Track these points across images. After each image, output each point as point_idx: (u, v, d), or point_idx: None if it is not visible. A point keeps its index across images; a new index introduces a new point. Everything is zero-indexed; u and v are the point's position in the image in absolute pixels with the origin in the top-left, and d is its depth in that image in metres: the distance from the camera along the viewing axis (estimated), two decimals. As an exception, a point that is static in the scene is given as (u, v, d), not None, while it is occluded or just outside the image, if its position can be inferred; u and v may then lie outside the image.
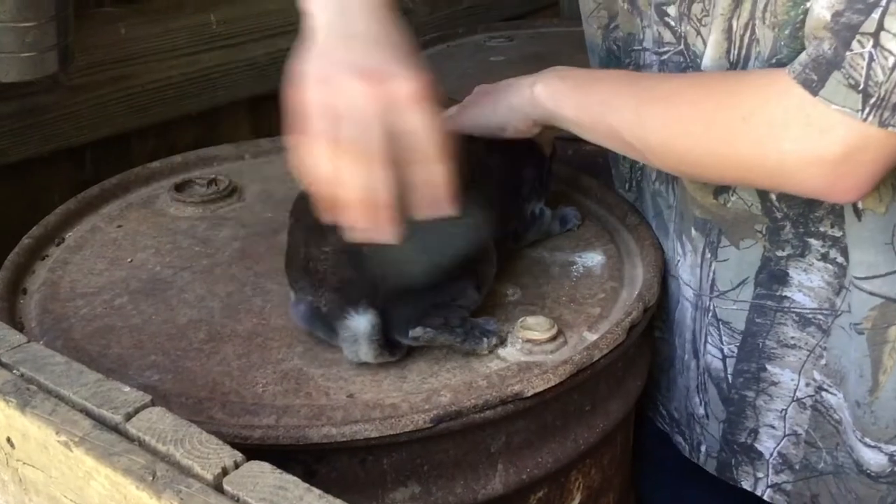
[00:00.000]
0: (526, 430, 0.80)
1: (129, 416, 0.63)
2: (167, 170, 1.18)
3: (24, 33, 0.99)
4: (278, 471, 0.58)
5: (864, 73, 0.68)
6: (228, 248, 1.01)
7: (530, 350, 0.83)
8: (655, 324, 1.01)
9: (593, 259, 0.98)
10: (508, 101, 0.91)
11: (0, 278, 0.93)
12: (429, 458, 0.77)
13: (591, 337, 0.85)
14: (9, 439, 0.67)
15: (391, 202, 0.69)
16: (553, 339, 0.83)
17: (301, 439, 0.72)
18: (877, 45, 0.67)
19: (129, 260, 0.99)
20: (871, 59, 0.67)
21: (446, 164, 0.71)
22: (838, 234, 0.85)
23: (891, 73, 0.67)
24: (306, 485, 0.56)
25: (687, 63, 0.88)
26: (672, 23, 0.88)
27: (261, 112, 1.50)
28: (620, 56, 0.98)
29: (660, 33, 0.90)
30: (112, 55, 1.24)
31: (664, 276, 0.97)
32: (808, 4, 0.73)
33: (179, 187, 1.13)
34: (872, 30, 0.67)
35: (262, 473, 0.57)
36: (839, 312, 0.87)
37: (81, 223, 1.07)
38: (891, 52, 0.66)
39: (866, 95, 0.68)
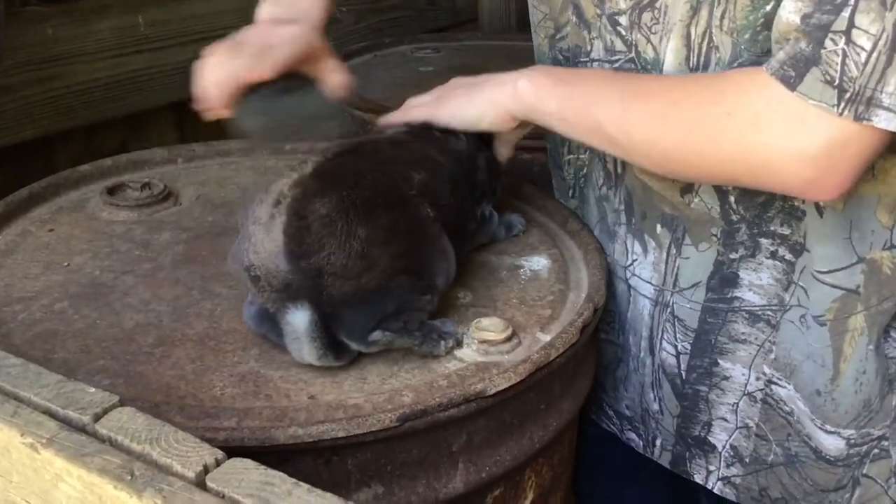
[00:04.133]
0: (486, 428, 0.81)
1: (97, 417, 0.61)
2: (97, 173, 1.15)
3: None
4: (262, 467, 0.57)
5: (839, 69, 0.71)
6: (171, 252, 0.99)
7: (486, 350, 0.84)
8: (600, 326, 1.03)
9: (539, 263, 1.00)
10: (488, 96, 0.92)
11: (-71, 282, 0.89)
12: (392, 457, 0.77)
13: (545, 337, 0.86)
14: (-36, 445, 0.64)
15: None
16: (508, 339, 0.85)
17: (267, 441, 0.71)
18: (849, 41, 0.70)
19: (65, 264, 0.96)
20: (845, 55, 0.71)
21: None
22: (787, 231, 0.89)
23: (864, 69, 0.70)
24: (293, 479, 0.56)
25: (638, 69, 0.91)
26: (623, 32, 0.91)
27: (187, 117, 1.47)
28: (567, 66, 1.01)
29: (612, 42, 0.93)
30: (38, 55, 1.20)
31: (609, 278, 0.99)
32: (768, 8, 0.77)
33: (111, 191, 1.10)
34: (844, 28, 0.70)
35: (247, 470, 0.56)
36: (788, 307, 0.91)
37: (10, 227, 1.03)
38: (863, 48, 0.70)
39: (841, 91, 0.71)
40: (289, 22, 0.94)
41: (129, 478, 0.55)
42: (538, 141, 1.16)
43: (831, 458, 0.94)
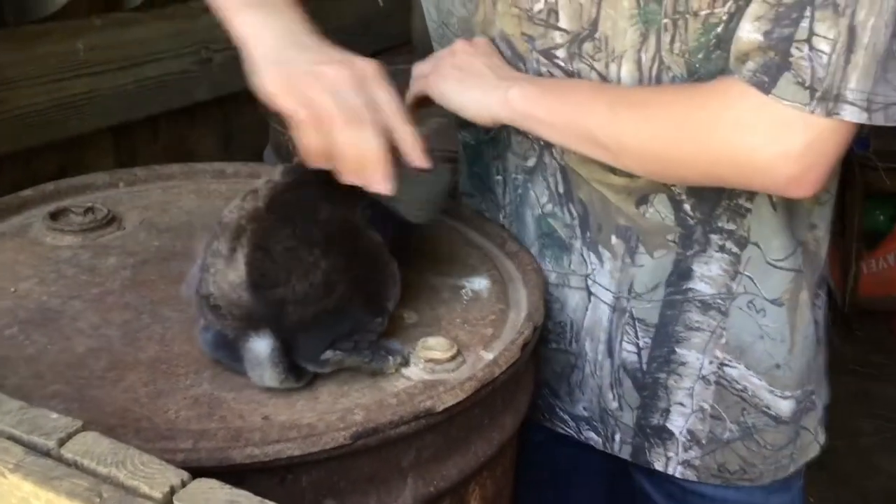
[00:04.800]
0: (433, 444, 0.84)
1: (62, 442, 0.62)
2: (39, 198, 1.15)
3: None
4: (227, 486, 0.59)
5: (808, 72, 0.79)
6: (118, 277, 1.00)
7: (433, 369, 0.87)
8: (551, 336, 1.08)
9: (480, 283, 1.04)
10: (478, 95, 0.98)
11: None
12: (345, 474, 0.80)
13: (488, 356, 0.90)
14: (-79, 472, 0.64)
15: (385, 155, 0.82)
16: (453, 358, 0.88)
17: (224, 461, 0.74)
18: (812, 48, 0.79)
19: (11, 290, 0.97)
20: (811, 59, 0.79)
21: (412, 126, 0.86)
22: (733, 227, 0.98)
23: (828, 68, 0.78)
24: (259, 498, 0.58)
25: None
26: (562, 63, 0.97)
27: (125, 139, 1.48)
28: None
29: (550, 73, 0.98)
30: (-23, 80, 1.20)
31: (551, 294, 1.04)
32: (719, 30, 0.86)
33: (54, 216, 1.10)
34: (805, 37, 0.79)
35: (212, 489, 0.59)
36: (735, 295, 1.01)
37: (-48, 252, 1.03)
38: (823, 52, 0.78)
39: (812, 90, 0.79)
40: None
41: (98, 500, 0.57)
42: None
43: (786, 419, 1.05)
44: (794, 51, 0.80)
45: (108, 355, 0.87)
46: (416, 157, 0.86)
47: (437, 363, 0.88)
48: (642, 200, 1.00)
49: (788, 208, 0.98)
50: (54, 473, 0.59)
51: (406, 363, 0.87)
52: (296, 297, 0.81)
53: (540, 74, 1.00)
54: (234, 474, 0.75)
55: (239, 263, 0.81)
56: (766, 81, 0.81)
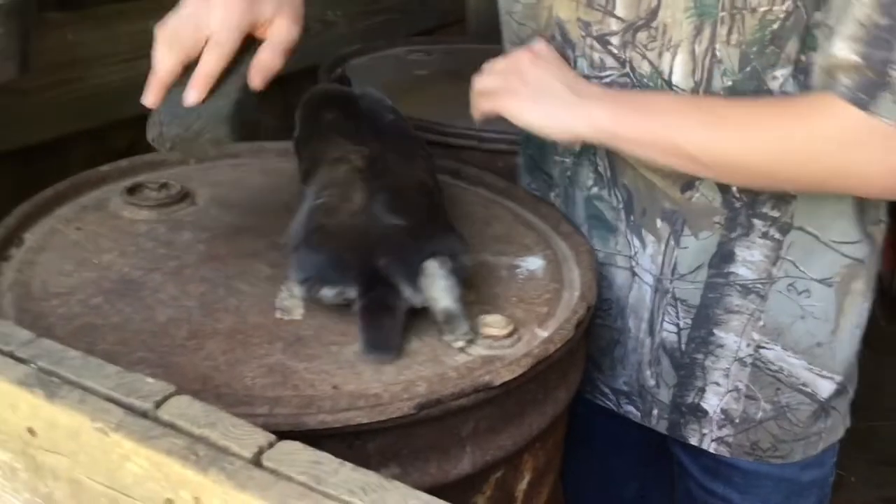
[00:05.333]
0: (491, 416, 0.90)
1: (158, 404, 0.68)
2: (116, 174, 1.22)
3: (-10, 40, 1.02)
4: (310, 448, 0.65)
5: None
6: (193, 251, 1.06)
7: (490, 345, 0.92)
8: (597, 313, 1.13)
9: (535, 263, 1.08)
10: (560, 116, 0.98)
11: (-29, 279, 0.96)
12: (408, 442, 0.85)
13: (543, 333, 0.95)
14: (30, 429, 0.71)
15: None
16: (510, 335, 0.93)
17: (298, 426, 0.79)
18: None
19: (95, 261, 1.03)
20: None
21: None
22: (777, 214, 1.01)
23: None
24: (339, 459, 0.64)
25: (633, 84, 1.01)
26: (615, 50, 1.01)
27: (192, 117, 1.54)
28: None
29: (601, 60, 1.02)
30: (57, 59, 1.26)
31: (598, 277, 1.08)
32: (775, 27, 0.90)
33: (131, 191, 1.17)
34: None
35: (297, 451, 0.64)
36: (775, 280, 1.04)
37: (38, 225, 1.10)
38: None
39: None
40: None
41: (194, 458, 0.63)
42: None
43: (822, 399, 1.10)
44: (891, 71, 0.82)
45: (187, 325, 0.93)
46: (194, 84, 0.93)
47: (494, 339, 0.92)
48: (688, 186, 1.03)
49: (857, 198, 1.01)
50: (153, 433, 0.65)
51: (472, 341, 0.92)
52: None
53: (592, 61, 1.03)
54: (307, 438, 0.81)
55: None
56: (864, 99, 0.84)
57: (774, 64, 0.93)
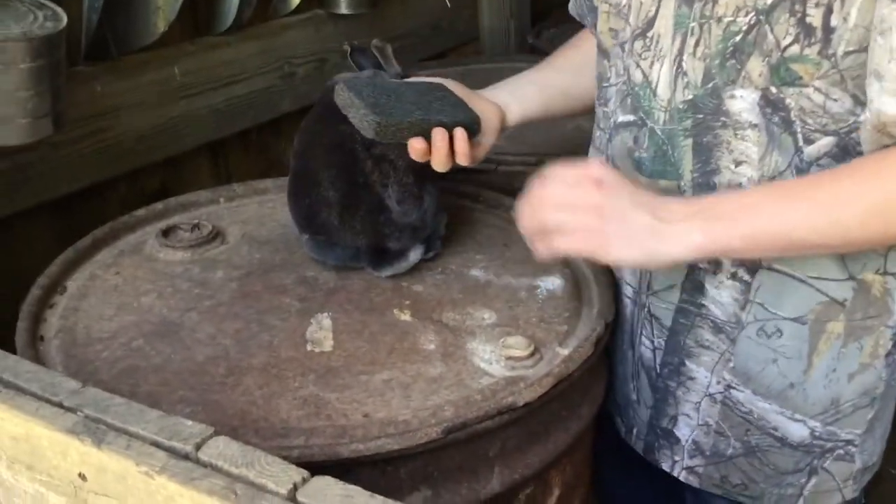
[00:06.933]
0: (517, 436, 0.93)
1: (198, 446, 0.73)
2: (151, 216, 1.27)
3: (26, 101, 1.07)
4: (342, 483, 0.69)
5: None
6: (227, 289, 1.11)
7: (513, 366, 0.96)
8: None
9: (554, 283, 1.12)
10: (657, 249, 0.91)
11: (20, 329, 1.01)
12: (438, 465, 0.89)
13: (563, 352, 0.99)
14: (81, 474, 0.76)
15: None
16: (531, 355, 0.97)
17: (333, 455, 0.84)
18: None
19: (134, 305, 1.08)
20: None
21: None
22: None
23: None
24: (369, 493, 0.68)
25: (627, 91, 1.03)
26: (625, 58, 1.04)
27: (219, 154, 1.59)
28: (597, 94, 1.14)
29: (626, 68, 1.05)
30: (88, 111, 1.31)
31: (618, 293, 1.11)
32: (737, 39, 0.91)
33: (165, 233, 1.22)
34: None
35: (329, 486, 0.68)
36: (744, 325, 1.02)
37: (79, 271, 1.15)
38: None
39: None
40: None
41: (234, 496, 0.67)
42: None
43: (794, 444, 1.05)
44: None
45: (224, 362, 0.97)
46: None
47: (516, 360, 0.96)
48: None
49: None
50: (194, 474, 0.70)
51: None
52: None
53: (628, 73, 1.04)
54: (342, 467, 0.85)
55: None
56: None
57: (734, 80, 0.93)
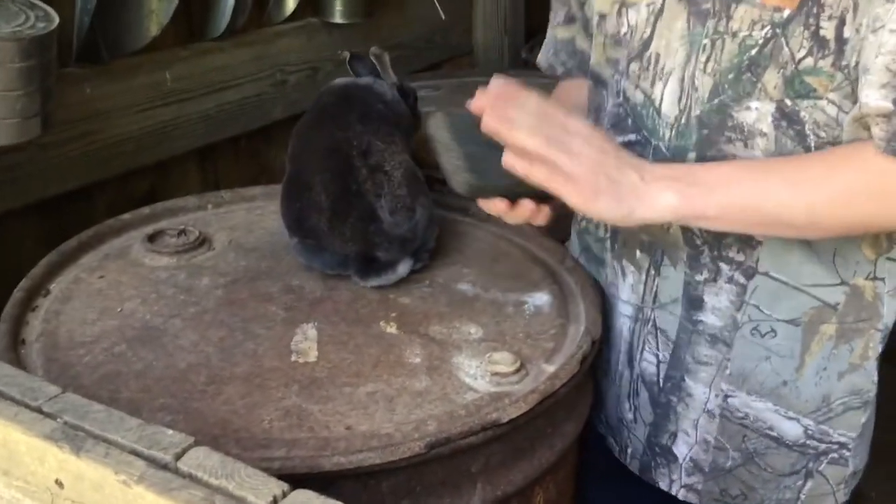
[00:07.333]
0: (500, 451, 0.93)
1: (178, 456, 0.72)
2: (137, 221, 1.26)
3: (14, 101, 1.06)
4: (322, 497, 0.68)
5: None
6: (212, 296, 1.10)
7: (498, 382, 0.95)
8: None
9: (541, 299, 1.12)
10: (628, 206, 0.91)
11: (1, 332, 1.00)
12: (421, 479, 0.88)
13: (549, 368, 0.98)
14: (58, 481, 0.75)
15: None
16: (517, 371, 0.96)
17: (315, 468, 0.83)
18: None
19: (118, 309, 1.07)
20: None
21: None
22: (742, 258, 1.02)
23: None
24: (349, 506, 0.67)
25: (626, 113, 1.04)
26: (620, 82, 1.05)
27: (208, 160, 1.59)
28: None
29: (625, 95, 1.05)
30: (78, 113, 1.31)
31: (605, 310, 1.11)
32: (753, 53, 0.92)
33: (152, 238, 1.21)
34: None
35: (309, 500, 0.67)
36: (740, 325, 1.04)
37: (63, 274, 1.14)
38: None
39: None
40: None
41: (213, 508, 0.67)
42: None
43: (789, 443, 1.07)
44: None
45: (206, 370, 0.96)
46: None
47: (502, 376, 0.96)
48: None
49: (831, 244, 1.00)
50: (173, 485, 0.69)
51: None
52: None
53: (625, 95, 1.05)
54: (323, 480, 0.85)
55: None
56: None
57: (750, 93, 0.95)
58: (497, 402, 0.92)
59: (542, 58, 1.25)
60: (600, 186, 0.90)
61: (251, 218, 1.30)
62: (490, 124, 0.90)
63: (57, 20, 1.10)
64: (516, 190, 0.95)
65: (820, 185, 0.91)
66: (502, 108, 0.90)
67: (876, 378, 1.07)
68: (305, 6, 1.68)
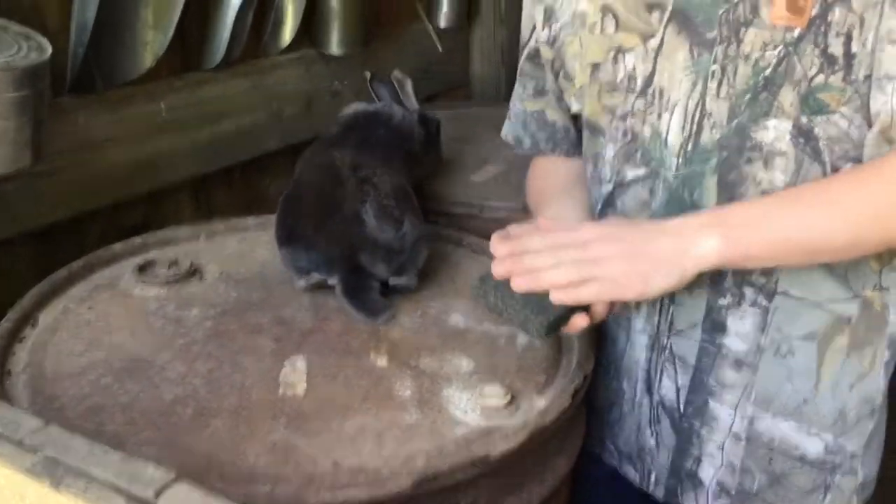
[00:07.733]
0: (490, 487, 0.91)
1: (158, 493, 0.71)
2: (128, 251, 1.26)
3: (6, 131, 1.06)
4: (304, 533, 0.67)
5: None
6: (201, 328, 1.09)
7: (489, 416, 0.94)
8: (598, 370, 1.14)
9: (534, 331, 1.11)
10: (668, 272, 0.92)
11: (-14, 362, 0.99)
12: (408, 516, 0.87)
13: (541, 402, 0.97)
14: (38, 516, 0.73)
15: None
16: (508, 404, 0.95)
17: (300, 503, 0.81)
18: None
19: (105, 341, 1.06)
20: None
21: None
22: (763, 281, 1.02)
23: None
24: (331, 545, 0.66)
25: (635, 148, 1.05)
26: (624, 122, 1.06)
27: (201, 190, 1.58)
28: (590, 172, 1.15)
29: (624, 135, 1.07)
30: (71, 143, 1.30)
31: (606, 333, 1.11)
32: (768, 73, 0.93)
33: (142, 268, 1.20)
34: None
35: (291, 536, 0.67)
36: (763, 349, 1.04)
37: (52, 305, 1.13)
38: None
39: None
40: None
41: (193, 546, 0.65)
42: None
43: (811, 461, 1.08)
44: None
45: (194, 403, 0.95)
46: None
47: (493, 410, 0.94)
48: None
49: (845, 263, 1.01)
50: (153, 522, 0.68)
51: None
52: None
53: (633, 132, 1.05)
54: (308, 516, 0.83)
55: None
56: None
57: (768, 112, 0.96)
58: (487, 437, 0.91)
59: (508, 130, 1.27)
60: (644, 270, 0.92)
61: (243, 248, 1.29)
62: (520, 285, 0.95)
63: (50, 51, 1.09)
64: (570, 310, 0.98)
65: (860, 203, 0.92)
66: (519, 264, 0.95)
67: (883, 385, 1.08)
68: (302, 37, 1.68)
